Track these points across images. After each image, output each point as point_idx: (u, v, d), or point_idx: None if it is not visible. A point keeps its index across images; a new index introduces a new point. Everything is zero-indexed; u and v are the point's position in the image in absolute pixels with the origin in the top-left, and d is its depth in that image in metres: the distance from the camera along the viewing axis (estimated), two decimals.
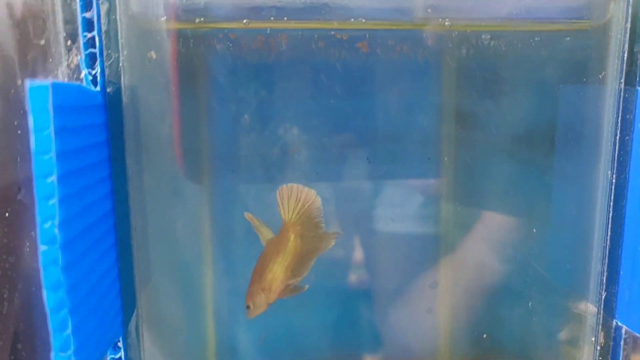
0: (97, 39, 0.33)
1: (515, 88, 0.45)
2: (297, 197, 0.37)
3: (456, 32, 0.42)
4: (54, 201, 0.26)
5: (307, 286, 0.40)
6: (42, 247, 0.26)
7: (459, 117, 0.47)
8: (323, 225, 0.39)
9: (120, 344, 0.37)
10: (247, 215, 0.39)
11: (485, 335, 0.46)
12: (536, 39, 0.41)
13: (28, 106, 0.26)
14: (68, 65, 0.32)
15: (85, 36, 0.33)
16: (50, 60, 0.33)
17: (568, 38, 0.43)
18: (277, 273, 0.38)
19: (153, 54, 0.35)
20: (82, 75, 0.32)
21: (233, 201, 0.42)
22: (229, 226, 0.44)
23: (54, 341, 0.28)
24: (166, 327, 0.41)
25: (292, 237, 0.38)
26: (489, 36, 0.41)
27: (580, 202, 0.43)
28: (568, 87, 0.43)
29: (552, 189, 0.44)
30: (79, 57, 0.33)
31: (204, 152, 0.41)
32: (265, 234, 0.39)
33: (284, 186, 0.37)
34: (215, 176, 0.43)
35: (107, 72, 0.34)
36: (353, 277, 0.49)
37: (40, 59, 0.32)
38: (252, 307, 0.39)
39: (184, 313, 0.42)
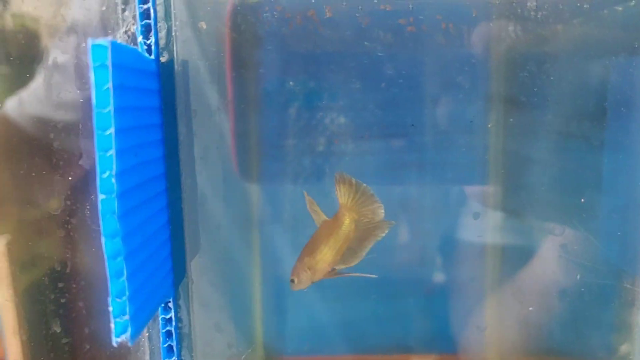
0: (151, 10, 0.35)
1: (564, 59, 0.44)
2: (350, 183, 0.38)
3: (499, 2, 0.42)
4: (111, 153, 0.28)
5: (375, 275, 0.40)
6: (101, 196, 0.28)
7: (508, 98, 0.46)
8: (382, 212, 0.38)
9: (170, 305, 0.39)
10: (306, 195, 0.39)
11: (531, 309, 0.45)
12: (585, 6, 0.40)
13: (90, 63, 0.28)
14: (126, 32, 0.34)
15: (141, 7, 0.35)
16: (109, 31, 0.35)
17: (620, 8, 0.42)
18: (326, 255, 0.39)
19: (203, 25, 0.37)
20: (138, 41, 0.34)
21: (282, 172, 0.43)
22: (278, 197, 0.45)
23: (111, 287, 0.29)
24: (214, 294, 0.43)
25: (346, 221, 0.38)
26: (535, 3, 0.41)
27: (632, 172, 0.41)
28: (619, 54, 0.42)
29: (603, 161, 0.43)
30: (135, 27, 0.35)
31: (254, 130, 0.43)
32: (321, 214, 0.39)
33: (339, 172, 0.38)
34: (265, 153, 0.44)
35: (161, 42, 0.36)
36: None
37: (100, 28, 0.34)
38: (296, 281, 0.40)
39: (231, 282, 0.43)
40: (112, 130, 0.28)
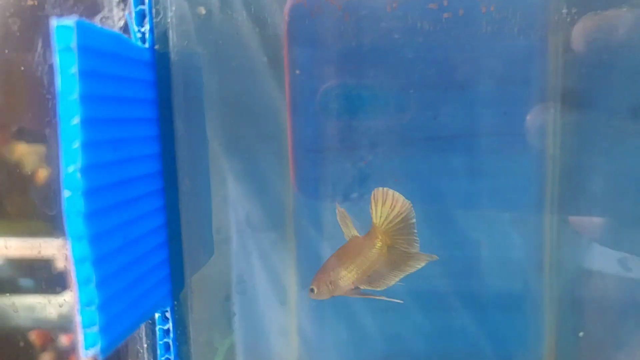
0: None
1: (630, 44, 0.38)
2: (391, 204, 0.33)
3: None
4: (77, 145, 0.25)
5: (401, 301, 0.36)
6: (65, 193, 0.26)
7: (567, 92, 0.41)
8: (417, 244, 0.34)
9: (169, 315, 0.36)
10: (338, 207, 0.36)
11: (581, 334, 0.39)
12: None
13: (54, 45, 0.25)
14: (118, 20, 0.31)
15: None
16: (102, 19, 0.33)
17: None
18: (351, 273, 0.35)
19: (202, 10, 0.34)
20: (132, 29, 0.31)
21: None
22: (316, 203, 0.42)
23: (79, 294, 0.27)
24: (218, 307, 0.40)
25: (378, 244, 0.34)
26: None
27: None
28: None
29: None
30: (126, 13, 0.32)
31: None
32: (351, 229, 0.36)
33: (380, 189, 0.33)
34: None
35: (156, 30, 0.33)
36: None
37: (91, 16, 0.32)
38: (315, 292, 0.36)
39: (237, 293, 0.40)
40: (77, 119, 0.25)
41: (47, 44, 0.33)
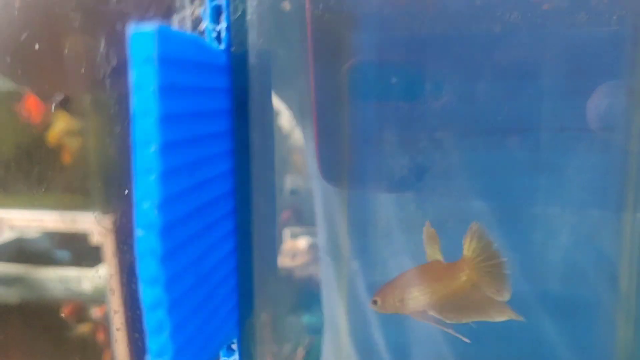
0: None
1: None
2: (484, 248, 0.32)
3: None
4: (154, 176, 0.21)
5: (469, 340, 0.33)
6: (138, 232, 0.22)
7: None
8: (507, 295, 0.32)
9: (234, 347, 0.33)
10: (428, 226, 0.33)
11: None
12: None
13: (130, 57, 0.21)
14: (191, 15, 0.27)
15: None
16: (172, 13, 0.28)
17: None
18: (424, 296, 0.33)
19: (287, 5, 0.29)
20: (202, 28, 0.27)
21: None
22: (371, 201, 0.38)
23: (150, 344, 0.23)
24: (288, 330, 0.36)
25: (463, 277, 0.32)
26: None
27: None
28: None
29: None
30: (201, 9, 0.28)
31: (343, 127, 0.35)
32: (436, 253, 0.33)
33: (478, 224, 0.32)
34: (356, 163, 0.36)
35: (233, 28, 0.28)
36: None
37: (160, 12, 0.28)
38: (378, 304, 0.34)
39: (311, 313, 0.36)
40: (155, 146, 0.21)
41: (110, 42, 0.29)
